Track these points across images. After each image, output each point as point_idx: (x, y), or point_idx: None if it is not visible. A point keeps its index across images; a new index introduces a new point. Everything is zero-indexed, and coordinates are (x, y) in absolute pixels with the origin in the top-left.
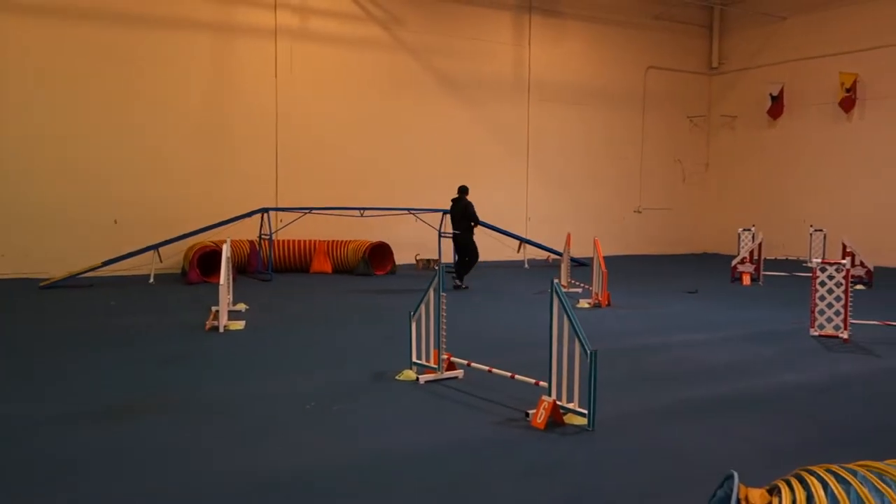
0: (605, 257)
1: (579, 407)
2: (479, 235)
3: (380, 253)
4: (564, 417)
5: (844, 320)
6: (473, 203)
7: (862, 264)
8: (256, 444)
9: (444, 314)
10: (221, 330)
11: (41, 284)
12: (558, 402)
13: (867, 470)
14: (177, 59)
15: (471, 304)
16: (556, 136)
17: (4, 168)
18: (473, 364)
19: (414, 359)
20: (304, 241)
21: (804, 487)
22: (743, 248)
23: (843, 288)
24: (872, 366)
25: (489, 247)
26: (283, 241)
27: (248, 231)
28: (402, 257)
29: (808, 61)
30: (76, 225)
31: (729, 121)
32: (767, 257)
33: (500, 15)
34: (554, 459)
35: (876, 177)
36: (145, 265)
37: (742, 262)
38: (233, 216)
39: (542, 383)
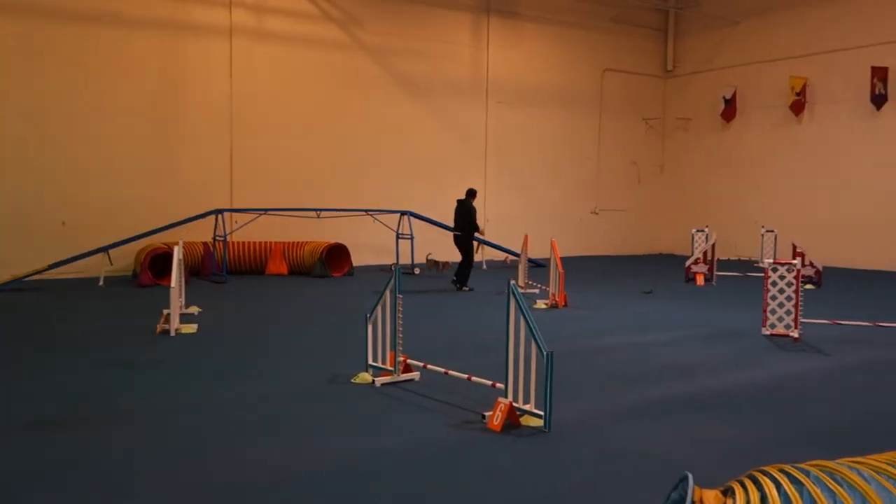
0: (562, 258)
1: (536, 408)
2: (435, 235)
3: (337, 254)
4: (521, 419)
5: (795, 319)
6: (476, 208)
7: (811, 264)
8: (204, 453)
9: (401, 316)
10: (173, 333)
11: None
12: (515, 404)
13: (819, 470)
14: (127, 57)
15: (428, 305)
16: (514, 138)
17: None
18: (430, 366)
19: (370, 361)
20: (260, 243)
21: (758, 488)
22: (696, 248)
23: (793, 288)
24: (822, 364)
25: (448, 248)
26: (238, 242)
27: (201, 233)
28: (360, 259)
29: (760, 65)
30: (21, 227)
31: (683, 123)
32: (720, 258)
33: (459, 16)
34: (510, 462)
35: (825, 179)
36: (95, 268)
37: (696, 262)
38: (186, 217)
39: (498, 385)
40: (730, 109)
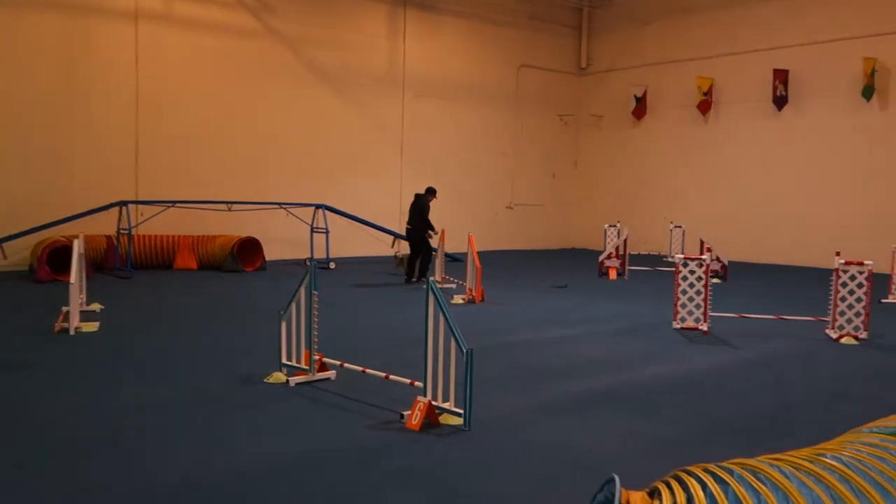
0: (478, 252)
1: (455, 407)
2: (354, 231)
3: (249, 248)
4: (440, 418)
5: (704, 313)
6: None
7: (718, 259)
8: (101, 461)
9: (317, 312)
10: (72, 332)
11: None
12: (434, 403)
13: (742, 468)
14: (23, 40)
15: (345, 301)
16: (431, 132)
17: None
18: (346, 364)
19: (284, 360)
20: (168, 237)
21: (684, 489)
22: (609, 243)
23: (703, 282)
24: (731, 357)
25: (364, 242)
26: (144, 236)
27: (104, 225)
28: (273, 253)
29: (669, 65)
30: None
31: (596, 120)
32: (632, 252)
33: (375, 7)
34: (430, 462)
35: (729, 176)
36: None
37: (608, 257)
38: (88, 209)
39: (417, 383)
40: (640, 107)
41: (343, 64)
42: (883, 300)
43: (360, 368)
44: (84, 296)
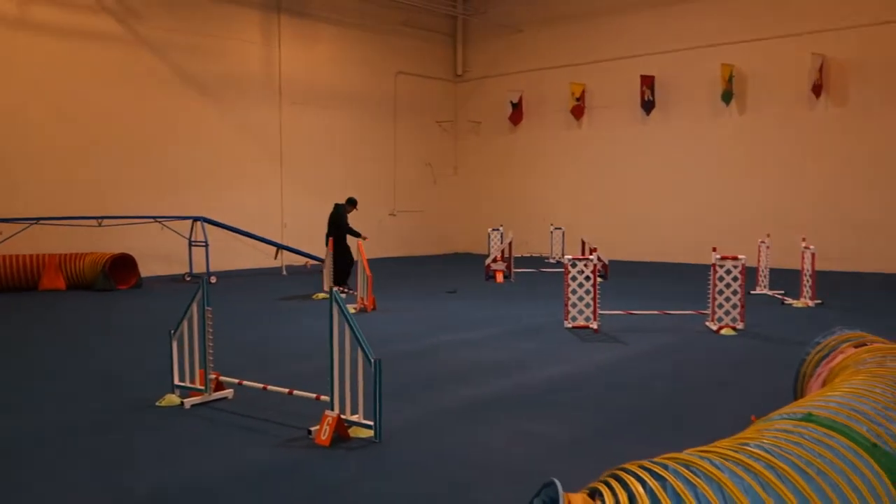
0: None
1: (364, 419)
2: (235, 243)
3: (122, 265)
4: (349, 431)
5: (594, 311)
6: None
7: (599, 258)
8: None
9: (211, 330)
10: None
11: None
12: (342, 416)
13: (676, 462)
14: None
15: (232, 316)
16: (310, 140)
17: None
18: (245, 382)
19: (176, 381)
20: (31, 256)
21: (624, 487)
22: (493, 247)
23: (591, 282)
24: (623, 352)
25: (245, 255)
26: (4, 256)
27: None
28: (149, 269)
29: (543, 71)
30: None
31: (474, 126)
32: (515, 255)
33: (247, 13)
34: (343, 478)
35: (604, 178)
36: None
37: (494, 260)
38: None
39: (323, 397)
40: (517, 113)
41: (217, 71)
42: (752, 292)
43: (262, 385)
44: None
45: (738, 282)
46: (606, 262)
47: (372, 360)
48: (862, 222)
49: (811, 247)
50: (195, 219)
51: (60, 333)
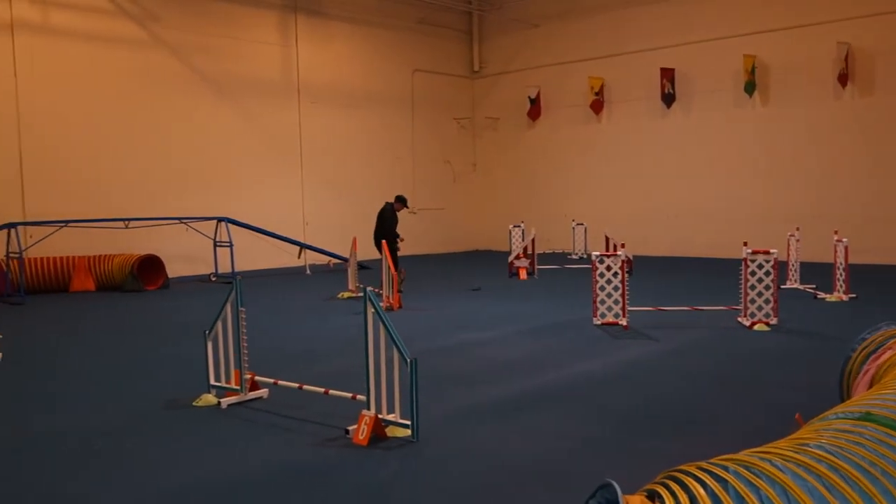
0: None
1: (401, 418)
2: (258, 243)
3: (150, 266)
4: (386, 430)
5: (623, 308)
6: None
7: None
8: (29, 497)
9: (244, 330)
10: None
11: None
12: (379, 416)
13: (735, 464)
14: None
15: (260, 316)
16: (329, 139)
17: None
18: (281, 382)
19: (212, 381)
20: (62, 258)
21: (684, 490)
22: (515, 243)
23: (619, 278)
24: (654, 349)
25: (269, 254)
26: (36, 258)
27: None
28: (175, 270)
29: (561, 66)
30: None
31: (492, 122)
32: (538, 252)
33: (264, 14)
34: (383, 478)
35: (625, 172)
36: None
37: (517, 257)
38: None
39: (359, 397)
40: (535, 109)
41: (236, 73)
42: (783, 286)
43: (297, 385)
44: None
45: (771, 276)
46: (630, 258)
47: (408, 360)
48: (892, 214)
49: (844, 239)
50: (219, 219)
51: (94, 334)
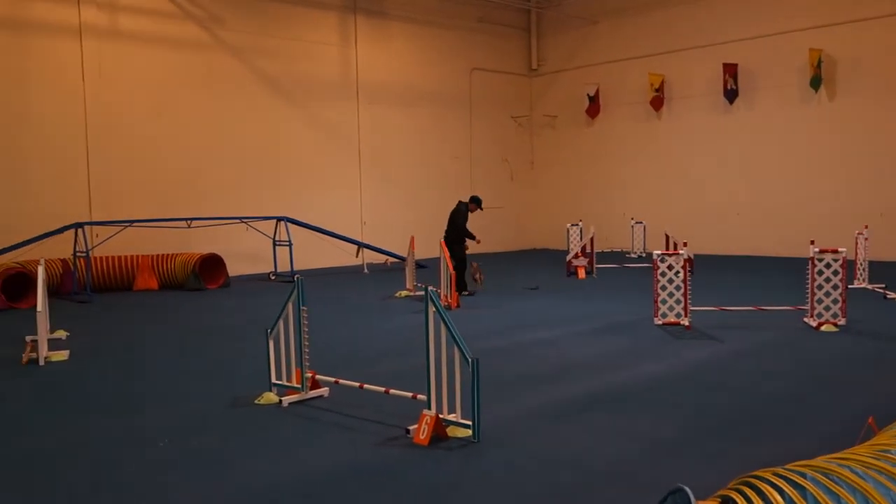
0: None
1: (462, 418)
2: (317, 242)
3: (211, 265)
4: (447, 430)
5: (685, 308)
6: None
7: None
8: (101, 495)
9: (306, 329)
10: (42, 363)
11: None
12: (440, 415)
13: (813, 470)
14: None
15: (321, 314)
16: (388, 138)
17: None
18: (342, 381)
19: (274, 379)
20: (126, 257)
21: (760, 496)
22: (572, 242)
23: (682, 277)
24: (718, 350)
25: (327, 253)
26: (102, 257)
27: (58, 249)
28: (235, 269)
29: (620, 63)
30: None
31: (550, 120)
32: (596, 250)
33: (325, 15)
34: (444, 479)
35: (686, 170)
36: None
37: (576, 256)
38: (41, 233)
39: (420, 396)
40: (594, 106)
41: (297, 73)
42: (850, 286)
43: (357, 384)
44: (48, 323)
45: (839, 276)
46: (691, 256)
47: (469, 360)
48: None
49: None
50: (279, 219)
51: (157, 333)
